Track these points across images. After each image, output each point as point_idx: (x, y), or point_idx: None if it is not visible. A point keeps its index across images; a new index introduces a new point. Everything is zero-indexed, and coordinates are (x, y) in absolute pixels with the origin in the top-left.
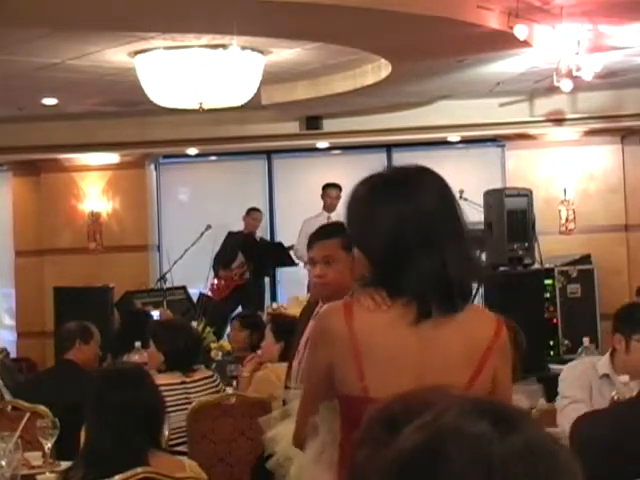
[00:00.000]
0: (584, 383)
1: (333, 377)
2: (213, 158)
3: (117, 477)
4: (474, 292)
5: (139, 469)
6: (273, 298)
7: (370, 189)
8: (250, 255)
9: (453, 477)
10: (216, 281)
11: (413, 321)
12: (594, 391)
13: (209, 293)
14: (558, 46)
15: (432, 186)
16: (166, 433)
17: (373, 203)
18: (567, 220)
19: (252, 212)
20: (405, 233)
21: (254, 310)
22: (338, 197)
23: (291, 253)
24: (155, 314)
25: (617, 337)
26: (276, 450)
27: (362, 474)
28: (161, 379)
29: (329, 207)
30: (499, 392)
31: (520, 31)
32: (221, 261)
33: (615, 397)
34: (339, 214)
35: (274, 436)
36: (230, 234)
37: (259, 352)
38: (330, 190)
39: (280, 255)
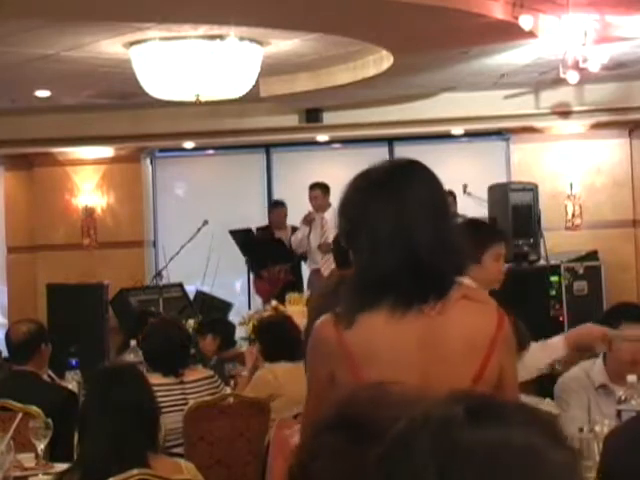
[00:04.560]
0: (582, 399)
1: (336, 384)
2: (210, 152)
3: (112, 479)
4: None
5: (135, 471)
6: None
7: (356, 190)
8: (249, 252)
9: (413, 466)
10: (260, 282)
11: (400, 315)
12: (592, 404)
13: (258, 296)
14: (564, 37)
15: (419, 183)
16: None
17: (359, 205)
18: (573, 215)
19: (273, 207)
20: (383, 228)
21: None
22: (319, 197)
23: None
24: None
25: None
26: None
27: None
28: (157, 379)
29: (316, 208)
30: (505, 386)
31: (525, 21)
32: (256, 260)
33: (623, 398)
34: (335, 215)
35: None
36: (258, 230)
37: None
38: (311, 191)
39: (280, 252)
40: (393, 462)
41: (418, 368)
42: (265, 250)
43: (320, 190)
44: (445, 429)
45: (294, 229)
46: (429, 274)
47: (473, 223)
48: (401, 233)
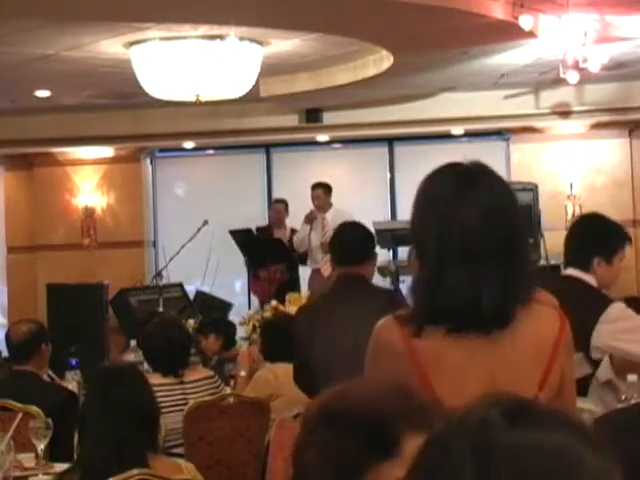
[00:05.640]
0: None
1: None
2: (210, 152)
3: (111, 479)
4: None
5: (134, 471)
6: None
7: (434, 187)
8: (249, 252)
9: (452, 465)
10: (257, 283)
11: (471, 335)
12: (597, 401)
13: (255, 296)
14: (564, 37)
15: (499, 189)
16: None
17: (438, 202)
18: (573, 215)
19: (273, 203)
20: (452, 240)
21: None
22: (321, 197)
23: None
24: None
25: None
26: None
27: (311, 474)
28: (157, 379)
29: (318, 207)
30: (566, 388)
31: (525, 21)
32: (253, 260)
33: (623, 397)
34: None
35: None
36: (257, 229)
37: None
38: (313, 190)
39: (279, 252)
40: (432, 461)
41: (486, 377)
42: (265, 250)
43: (322, 190)
44: (482, 430)
45: (293, 231)
46: (487, 317)
47: (609, 224)
48: (468, 264)
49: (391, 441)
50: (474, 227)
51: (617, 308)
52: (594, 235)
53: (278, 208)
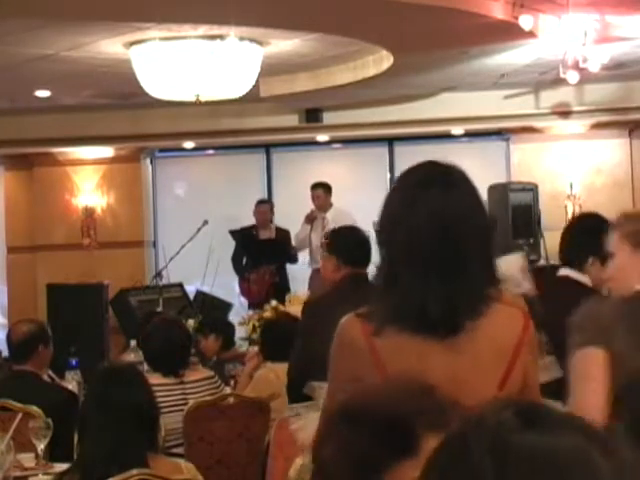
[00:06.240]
0: None
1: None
2: (210, 152)
3: (111, 479)
4: None
5: (134, 471)
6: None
7: (403, 186)
8: (249, 252)
9: (469, 465)
10: (246, 285)
11: (429, 336)
12: None
13: (243, 299)
14: (564, 37)
15: (463, 190)
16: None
17: (403, 201)
18: (573, 215)
19: (257, 204)
20: (400, 241)
21: None
22: (321, 197)
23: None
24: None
25: None
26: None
27: (330, 470)
28: (157, 379)
29: (318, 207)
30: (529, 388)
31: (525, 21)
32: (239, 262)
33: None
34: (338, 215)
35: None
36: (241, 230)
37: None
38: (313, 190)
39: (278, 251)
40: (448, 461)
41: (447, 376)
42: (264, 250)
43: (322, 190)
44: (500, 431)
45: (278, 230)
46: (459, 315)
47: (604, 224)
48: (439, 268)
49: (411, 440)
50: (419, 227)
51: None
52: (589, 235)
53: (263, 209)
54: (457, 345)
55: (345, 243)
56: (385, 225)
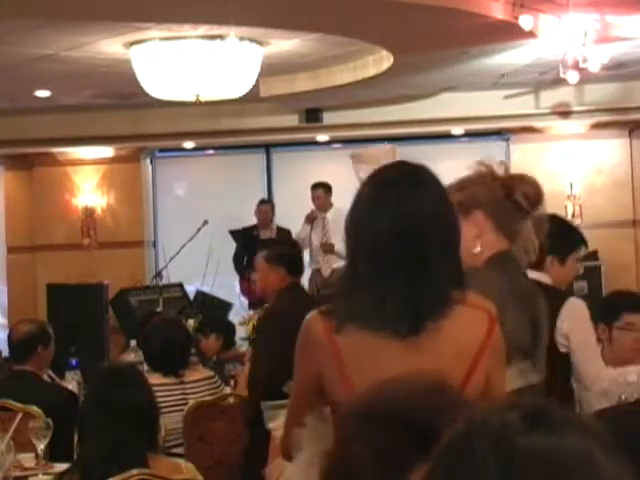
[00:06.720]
0: None
1: (322, 385)
2: (210, 152)
3: (111, 479)
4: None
5: (134, 471)
6: None
7: (369, 188)
8: (250, 252)
9: (473, 465)
10: (246, 284)
11: (389, 335)
12: None
13: (244, 299)
14: (564, 37)
15: (431, 190)
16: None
17: (370, 203)
18: (573, 215)
19: (258, 204)
20: (364, 240)
21: None
22: (322, 197)
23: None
24: None
25: (601, 327)
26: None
27: (357, 470)
28: (157, 379)
29: (318, 207)
30: (493, 393)
31: (525, 21)
32: (240, 262)
33: (623, 397)
34: (338, 215)
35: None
36: (242, 230)
37: None
38: (313, 191)
39: None
40: (451, 461)
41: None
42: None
43: (322, 190)
44: (503, 432)
45: (279, 230)
46: (421, 315)
47: (564, 225)
48: (404, 267)
49: (435, 439)
50: (384, 227)
51: (570, 307)
52: (549, 235)
53: (264, 209)
54: (418, 345)
55: (291, 256)
56: (352, 223)
